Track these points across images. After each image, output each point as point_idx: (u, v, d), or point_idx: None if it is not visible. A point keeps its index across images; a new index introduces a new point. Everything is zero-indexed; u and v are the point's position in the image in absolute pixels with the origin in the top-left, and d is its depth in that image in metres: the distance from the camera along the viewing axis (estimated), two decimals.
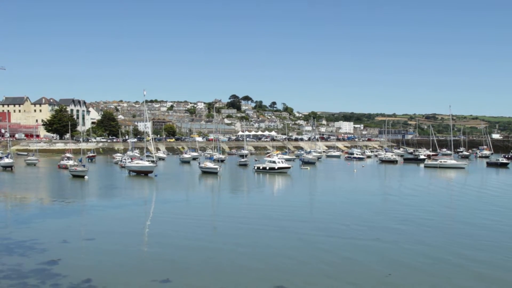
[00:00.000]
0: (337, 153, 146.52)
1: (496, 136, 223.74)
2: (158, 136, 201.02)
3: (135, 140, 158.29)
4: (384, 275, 21.30)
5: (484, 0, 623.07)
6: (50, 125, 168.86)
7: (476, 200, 47.23)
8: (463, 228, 32.18)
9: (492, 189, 58.30)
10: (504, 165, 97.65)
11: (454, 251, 25.56)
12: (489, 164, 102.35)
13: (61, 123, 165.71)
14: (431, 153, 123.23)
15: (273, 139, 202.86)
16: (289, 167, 79.25)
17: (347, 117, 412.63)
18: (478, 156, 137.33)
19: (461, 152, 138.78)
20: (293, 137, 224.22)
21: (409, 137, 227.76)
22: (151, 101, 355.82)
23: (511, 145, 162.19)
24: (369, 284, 20.22)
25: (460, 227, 32.38)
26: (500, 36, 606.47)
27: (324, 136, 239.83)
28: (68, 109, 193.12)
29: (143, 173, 73.08)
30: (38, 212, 39.64)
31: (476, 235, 29.69)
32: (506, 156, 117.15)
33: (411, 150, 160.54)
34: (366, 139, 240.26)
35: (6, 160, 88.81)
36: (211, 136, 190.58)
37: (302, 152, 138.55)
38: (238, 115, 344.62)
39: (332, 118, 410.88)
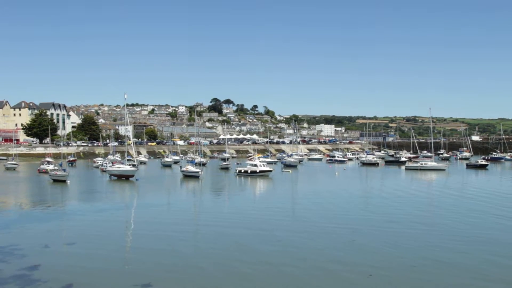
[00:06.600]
0: (318, 156, 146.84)
1: (475, 138, 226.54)
2: (139, 140, 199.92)
3: (116, 144, 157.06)
4: (365, 276, 21.45)
5: (466, 2, 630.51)
6: (30, 129, 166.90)
7: (457, 202, 47.62)
8: (444, 229, 32.46)
9: (471, 190, 58.90)
10: (483, 167, 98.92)
11: (433, 252, 25.78)
12: (469, 166, 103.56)
13: (41, 127, 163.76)
14: (412, 156, 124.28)
15: (254, 142, 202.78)
16: (270, 170, 79.40)
17: (328, 120, 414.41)
18: (458, 158, 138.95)
19: (442, 154, 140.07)
20: (275, 140, 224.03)
21: (390, 139, 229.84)
22: (132, 105, 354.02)
23: (491, 146, 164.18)
24: (351, 285, 20.32)
25: (440, 229, 32.64)
26: (480, 38, 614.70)
27: (306, 139, 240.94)
28: (48, 113, 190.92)
29: (124, 177, 72.61)
30: (18, 217, 39.19)
31: (456, 236, 29.98)
32: (486, 157, 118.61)
33: (392, 152, 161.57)
34: (348, 142, 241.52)
35: None
36: (193, 140, 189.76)
37: (284, 155, 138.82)
38: (220, 118, 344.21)
39: (314, 121, 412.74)
